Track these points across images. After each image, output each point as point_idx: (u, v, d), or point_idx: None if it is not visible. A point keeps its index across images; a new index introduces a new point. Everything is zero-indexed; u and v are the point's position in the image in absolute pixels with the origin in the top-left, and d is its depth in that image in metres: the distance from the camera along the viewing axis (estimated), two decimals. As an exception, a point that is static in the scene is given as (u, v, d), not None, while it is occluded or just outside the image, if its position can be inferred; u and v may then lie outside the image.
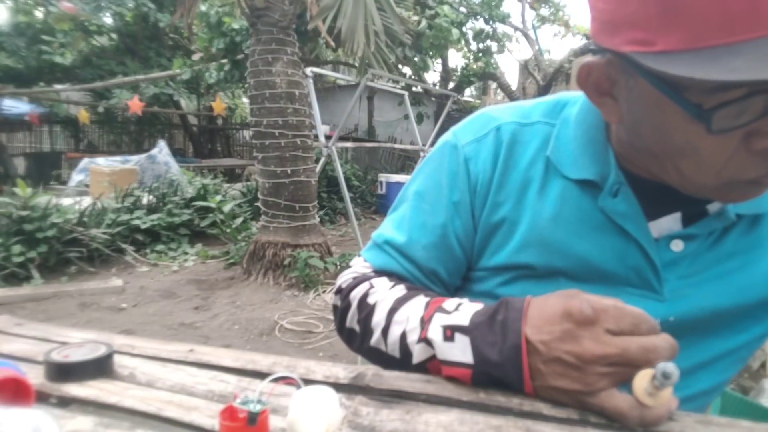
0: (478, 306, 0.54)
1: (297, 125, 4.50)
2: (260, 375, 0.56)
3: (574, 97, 0.65)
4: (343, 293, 0.68)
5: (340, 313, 0.68)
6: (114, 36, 12.04)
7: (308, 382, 0.51)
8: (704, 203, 0.58)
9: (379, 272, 0.68)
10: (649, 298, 0.58)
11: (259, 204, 4.73)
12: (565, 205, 0.60)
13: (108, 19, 11.15)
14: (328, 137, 6.56)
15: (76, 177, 7.53)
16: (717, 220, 0.57)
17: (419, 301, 0.59)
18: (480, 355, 0.50)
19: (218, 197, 5.91)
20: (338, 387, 0.53)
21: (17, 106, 11.10)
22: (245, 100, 12.31)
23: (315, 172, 4.82)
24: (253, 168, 7.09)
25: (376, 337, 0.61)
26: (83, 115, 10.03)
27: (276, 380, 0.46)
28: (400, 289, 0.62)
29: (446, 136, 0.68)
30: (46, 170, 9.81)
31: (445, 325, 0.52)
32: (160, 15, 10.39)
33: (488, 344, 0.49)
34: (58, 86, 10.86)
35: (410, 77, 8.44)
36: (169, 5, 10.37)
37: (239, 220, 5.63)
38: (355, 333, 0.65)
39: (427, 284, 0.68)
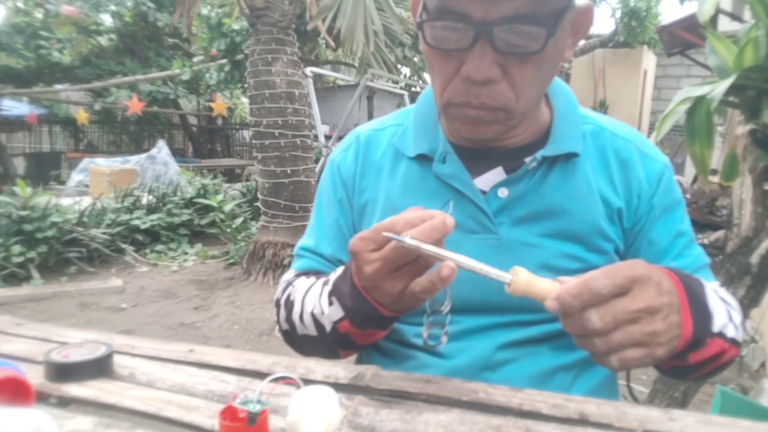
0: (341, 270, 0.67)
1: (297, 125, 4.49)
2: (260, 375, 0.56)
3: None
4: (276, 304, 0.79)
5: (278, 321, 0.77)
6: (113, 36, 12.02)
7: (308, 382, 0.51)
8: (520, 156, 0.71)
9: (300, 274, 0.81)
10: (490, 239, 0.70)
11: (259, 204, 4.72)
12: (409, 178, 0.75)
13: (107, 18, 11.12)
14: (328, 137, 6.56)
15: (76, 177, 7.52)
16: (530, 164, 0.69)
17: (319, 283, 0.71)
18: (341, 301, 0.62)
19: (219, 197, 5.91)
20: (338, 387, 0.53)
21: (17, 107, 11.08)
22: (245, 100, 12.30)
23: (315, 172, 4.82)
24: (253, 168, 7.08)
25: (300, 326, 0.71)
26: (82, 115, 9.97)
27: (276, 380, 0.46)
28: (312, 281, 0.74)
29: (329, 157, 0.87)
30: (46, 170, 9.79)
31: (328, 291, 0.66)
32: (159, 15, 10.37)
33: (343, 294, 0.62)
34: (58, 86, 10.84)
35: (410, 77, 8.43)
36: (168, 5, 10.34)
37: (239, 220, 5.62)
38: (288, 332, 0.75)
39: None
